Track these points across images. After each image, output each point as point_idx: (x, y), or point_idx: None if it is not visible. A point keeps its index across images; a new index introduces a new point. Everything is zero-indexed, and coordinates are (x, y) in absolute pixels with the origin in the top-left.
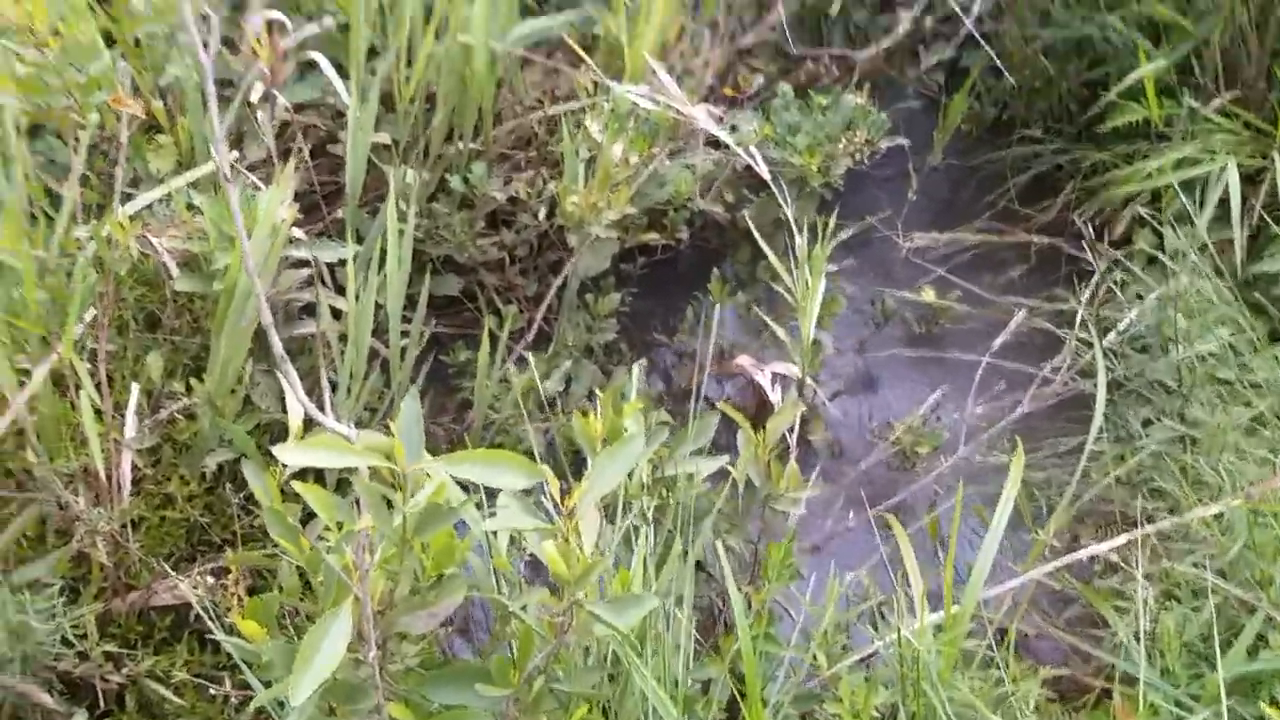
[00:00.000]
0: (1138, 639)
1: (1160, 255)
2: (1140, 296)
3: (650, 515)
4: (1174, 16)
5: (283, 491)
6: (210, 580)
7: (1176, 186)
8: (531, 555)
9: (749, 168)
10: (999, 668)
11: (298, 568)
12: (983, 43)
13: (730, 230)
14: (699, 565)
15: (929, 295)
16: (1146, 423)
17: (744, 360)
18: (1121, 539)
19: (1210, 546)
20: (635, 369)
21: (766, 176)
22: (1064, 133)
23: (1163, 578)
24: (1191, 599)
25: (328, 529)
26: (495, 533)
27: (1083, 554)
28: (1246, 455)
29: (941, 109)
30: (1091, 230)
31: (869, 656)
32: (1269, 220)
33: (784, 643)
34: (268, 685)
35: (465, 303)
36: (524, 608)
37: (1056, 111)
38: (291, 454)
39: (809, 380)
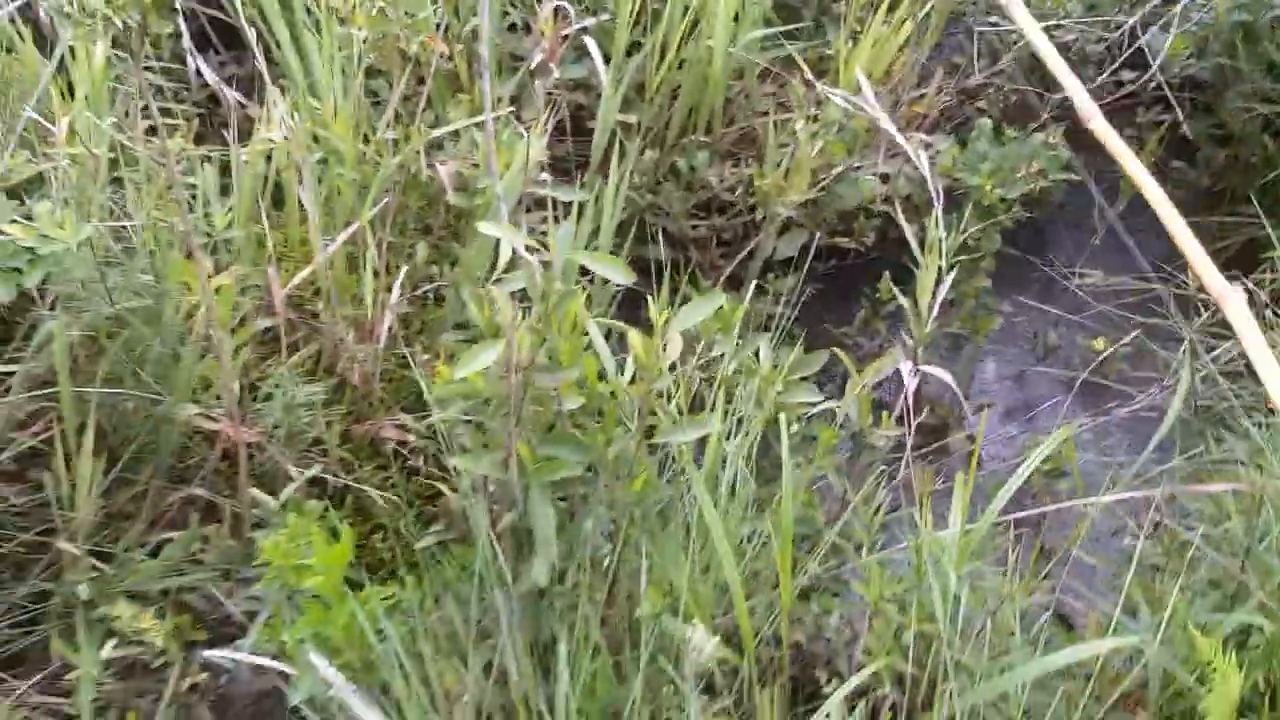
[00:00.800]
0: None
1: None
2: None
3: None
4: None
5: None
6: (425, 356)
7: None
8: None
9: (947, 191)
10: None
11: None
12: (1174, 101)
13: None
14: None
15: (1099, 344)
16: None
17: (895, 353)
18: (1116, 495)
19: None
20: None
21: (929, 176)
22: (1276, 212)
23: (1166, 539)
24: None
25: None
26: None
27: (1103, 498)
28: None
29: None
30: (1265, 295)
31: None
32: None
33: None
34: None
35: (673, 273)
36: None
37: (1271, 189)
38: (488, 227)
39: (959, 394)
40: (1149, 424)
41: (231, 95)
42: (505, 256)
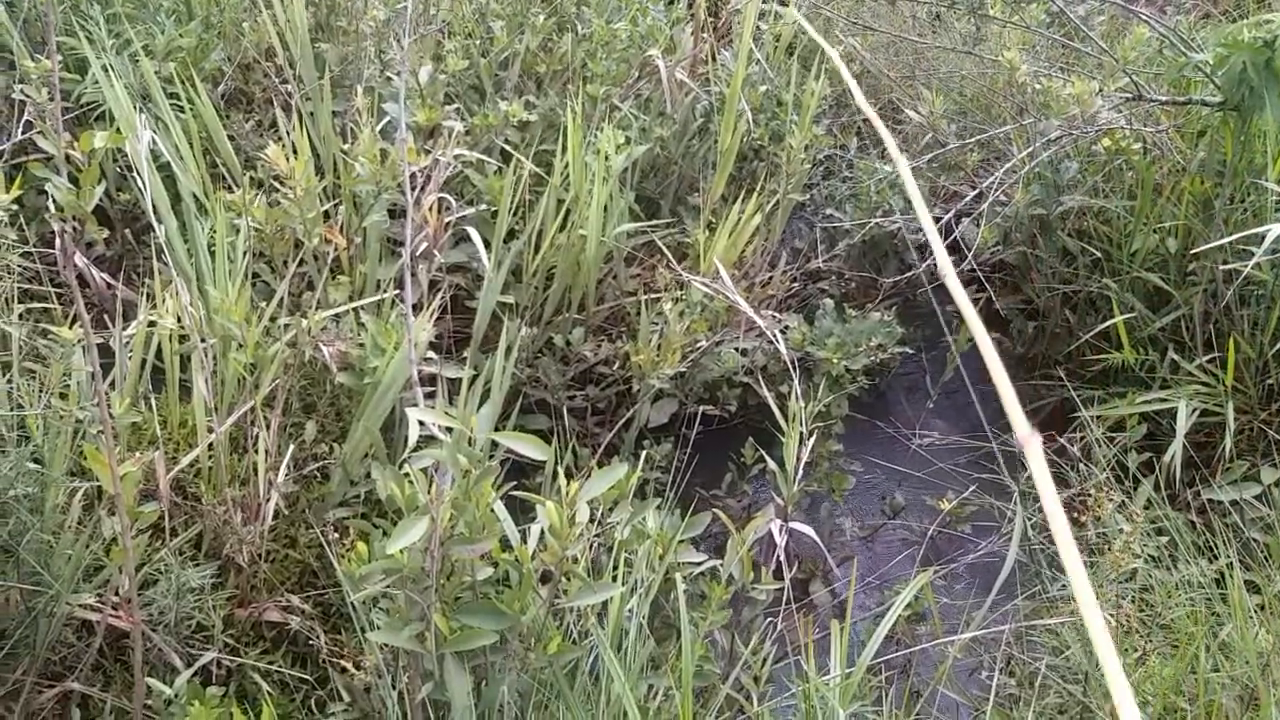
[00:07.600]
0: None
1: (1082, 459)
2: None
3: (645, 582)
4: (1162, 284)
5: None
6: (335, 536)
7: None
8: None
9: (798, 363)
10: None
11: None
12: (986, 285)
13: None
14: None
15: (944, 504)
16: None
17: (768, 512)
18: (972, 633)
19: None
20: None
21: (783, 352)
22: (1079, 375)
23: (1017, 670)
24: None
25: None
26: (525, 537)
27: (961, 636)
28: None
29: (956, 336)
30: (1077, 451)
31: (787, 697)
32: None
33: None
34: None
35: (550, 441)
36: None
37: (1075, 356)
38: (418, 413)
39: (821, 546)
40: (992, 568)
41: (100, 276)
42: (414, 435)
